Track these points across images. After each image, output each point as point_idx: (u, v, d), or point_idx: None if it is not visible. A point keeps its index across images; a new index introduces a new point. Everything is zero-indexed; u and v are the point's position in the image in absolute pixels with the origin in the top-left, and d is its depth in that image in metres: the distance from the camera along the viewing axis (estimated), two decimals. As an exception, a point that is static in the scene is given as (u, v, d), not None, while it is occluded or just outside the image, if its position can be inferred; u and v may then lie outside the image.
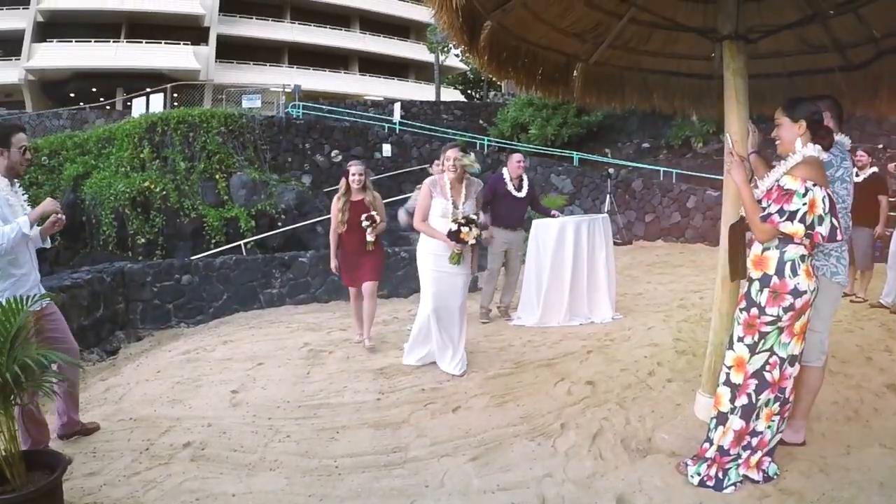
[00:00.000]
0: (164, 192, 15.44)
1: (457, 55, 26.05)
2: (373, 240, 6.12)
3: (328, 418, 4.45)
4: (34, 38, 30.92)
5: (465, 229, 5.10)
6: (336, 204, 6.18)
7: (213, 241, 15.17)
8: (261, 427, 4.31)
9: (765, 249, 3.16)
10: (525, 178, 7.51)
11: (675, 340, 5.78)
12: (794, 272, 3.08)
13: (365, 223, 6.06)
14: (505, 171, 7.44)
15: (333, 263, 6.34)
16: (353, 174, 6.12)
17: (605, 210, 14.85)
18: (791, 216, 3.00)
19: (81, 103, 25.04)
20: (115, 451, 3.95)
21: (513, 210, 7.37)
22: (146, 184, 15.43)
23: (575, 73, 5.18)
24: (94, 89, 28.53)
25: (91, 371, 7.07)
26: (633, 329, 6.38)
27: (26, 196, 3.96)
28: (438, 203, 5.25)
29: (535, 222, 7.35)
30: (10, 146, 3.67)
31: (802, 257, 3.10)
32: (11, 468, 2.96)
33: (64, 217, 3.92)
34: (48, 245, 4.00)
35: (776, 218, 3.03)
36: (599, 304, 7.03)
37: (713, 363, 3.90)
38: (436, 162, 6.34)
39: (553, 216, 7.43)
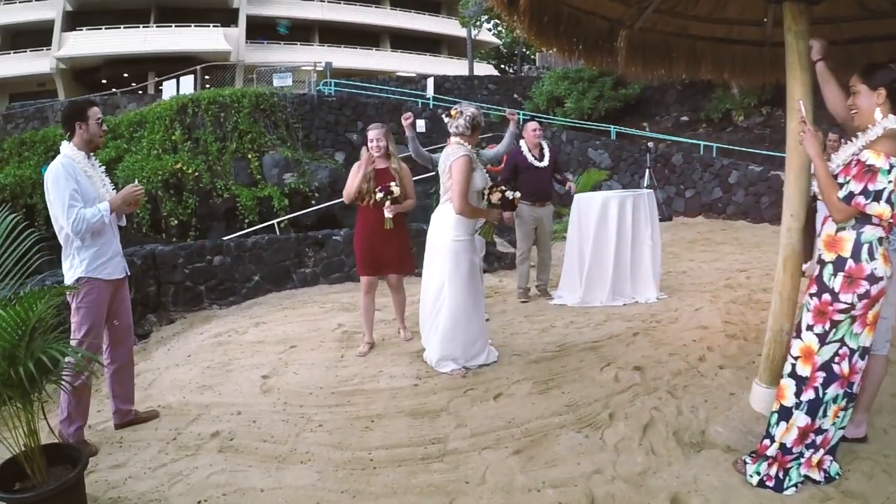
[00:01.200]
0: (197, 173, 15.45)
1: (489, 29, 25.58)
2: (391, 217, 5.21)
3: (363, 406, 4.26)
4: (64, 27, 31.06)
5: (514, 193, 4.75)
6: (355, 173, 5.27)
7: (247, 220, 15.18)
8: (292, 415, 4.14)
9: (839, 230, 2.84)
10: (545, 145, 7.18)
11: (724, 323, 5.47)
12: (871, 256, 2.77)
13: (379, 195, 5.11)
14: (522, 142, 7.04)
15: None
16: (372, 139, 5.27)
17: (645, 185, 14.41)
18: (877, 196, 2.67)
19: (113, 89, 25.13)
20: (141, 441, 3.83)
21: (538, 182, 6.98)
22: (178, 165, 15.49)
23: (619, 40, 4.84)
24: (125, 74, 28.63)
25: None
26: (679, 310, 6.08)
27: (103, 168, 4.02)
28: (480, 174, 4.66)
29: (576, 196, 7.05)
30: (88, 119, 3.78)
31: (880, 240, 2.79)
32: (31, 464, 2.83)
33: (142, 190, 4.02)
34: (124, 223, 4.12)
35: (861, 199, 2.69)
36: (644, 284, 6.73)
37: (772, 351, 3.60)
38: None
39: (568, 188, 7.19)
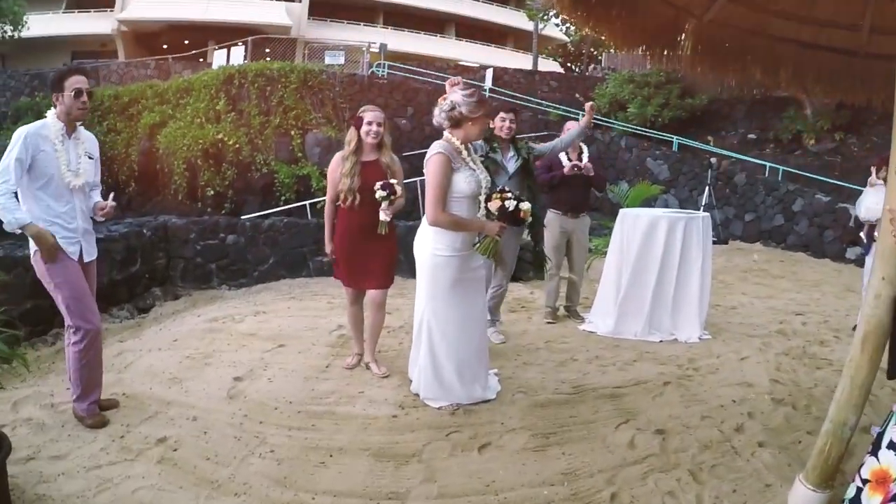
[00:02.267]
0: (237, 146, 15.23)
1: (557, 24, 24.57)
2: (388, 220, 4.37)
3: (327, 434, 3.67)
4: (127, -10, 31.33)
5: (523, 204, 3.85)
6: (339, 165, 4.43)
7: (283, 198, 14.88)
8: (247, 433, 3.66)
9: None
10: (585, 150, 6.45)
11: (771, 382, 4.62)
12: None
13: (380, 194, 4.23)
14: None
15: (329, 248, 4.66)
16: (369, 122, 4.37)
17: (703, 203, 13.44)
18: None
19: (167, 55, 25.12)
20: (89, 434, 3.59)
21: (573, 190, 6.25)
22: (219, 136, 15.34)
23: (684, 33, 4.04)
24: (186, 41, 28.61)
25: (114, 330, 6.77)
26: (722, 357, 5.23)
27: (89, 146, 3.81)
28: (465, 177, 3.81)
29: (622, 211, 6.26)
30: (64, 90, 3.55)
31: None
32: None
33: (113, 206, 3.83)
34: (100, 219, 3.93)
35: None
36: (686, 320, 5.86)
37: (828, 447, 2.82)
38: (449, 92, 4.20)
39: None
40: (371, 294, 4.57)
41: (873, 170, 6.54)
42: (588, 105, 5.53)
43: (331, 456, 3.41)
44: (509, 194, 3.87)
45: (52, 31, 30.70)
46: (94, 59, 26.55)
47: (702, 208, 13.47)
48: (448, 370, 3.98)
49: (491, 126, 5.24)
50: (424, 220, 3.96)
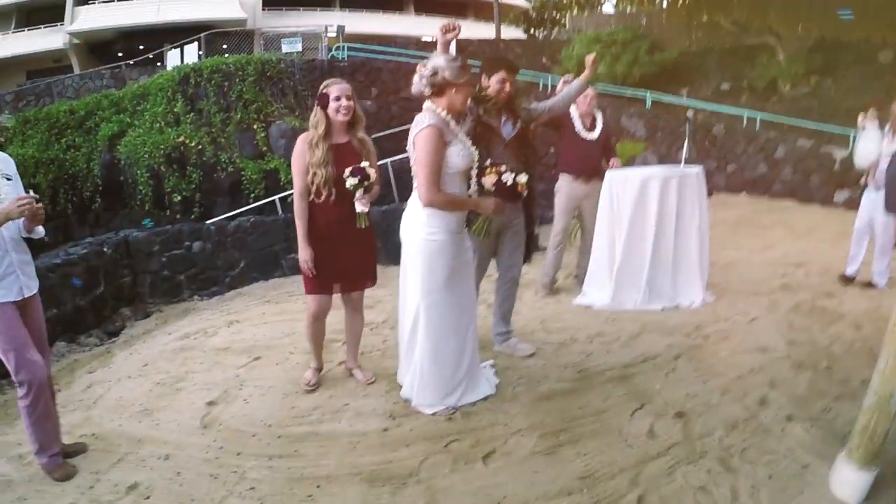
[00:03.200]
0: (200, 147, 14.69)
1: (516, -10, 24.01)
2: (366, 210, 3.78)
3: (312, 459, 3.27)
4: (76, 2, 30.12)
5: (521, 176, 3.57)
6: (305, 151, 3.74)
7: (252, 195, 14.36)
8: (224, 467, 3.24)
9: None
10: (599, 117, 6.21)
11: (788, 344, 4.29)
12: None
13: (351, 181, 3.64)
14: (573, 108, 5.97)
15: (306, 254, 3.81)
16: (337, 97, 3.72)
17: (683, 157, 13.06)
18: None
19: (119, 63, 24.31)
20: (58, 488, 3.20)
21: (585, 156, 6.02)
22: (181, 139, 14.74)
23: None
24: (141, 47, 27.74)
25: (83, 361, 6.25)
26: (730, 321, 4.89)
27: (4, 167, 3.28)
28: (458, 150, 3.40)
29: (609, 174, 5.81)
30: None
31: None
32: None
33: (36, 205, 3.14)
34: (39, 236, 3.37)
35: None
36: (688, 283, 5.51)
37: (873, 422, 2.48)
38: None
39: (612, 165, 5.97)
40: (350, 297, 4.10)
41: (860, 116, 6.26)
42: (589, 57, 4.77)
43: (318, 487, 3.03)
44: (503, 167, 3.51)
45: (5, 52, 29.73)
46: (50, 75, 25.65)
47: (682, 163, 13.13)
48: (450, 368, 3.60)
49: (483, 88, 4.28)
50: (412, 203, 3.55)
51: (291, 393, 4.09)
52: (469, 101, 3.77)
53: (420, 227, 3.48)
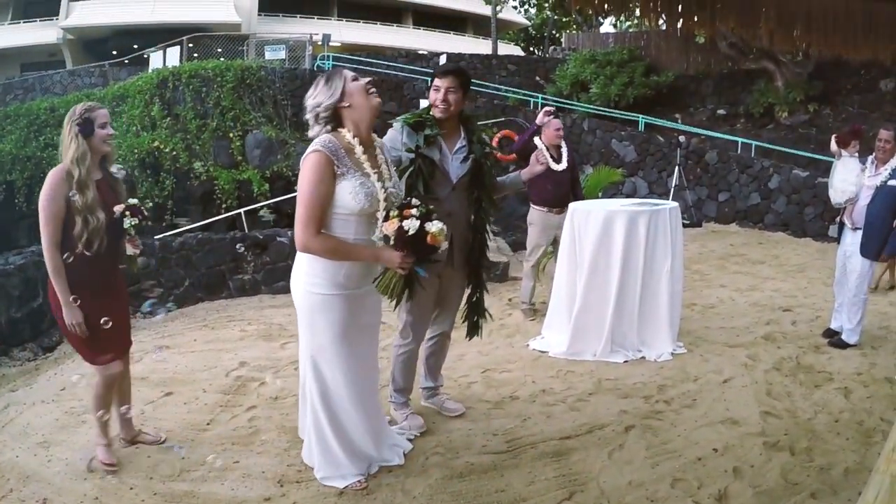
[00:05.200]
0: (174, 153, 14.26)
1: (514, 6, 23.60)
2: (138, 252, 3.31)
3: None
4: (72, -3, 30.08)
5: (432, 225, 2.71)
6: (64, 192, 3.04)
7: (224, 205, 13.89)
8: None
9: None
10: (564, 146, 6.19)
11: (762, 415, 3.69)
12: None
13: (130, 222, 3.12)
14: (538, 140, 6.03)
15: (78, 315, 3.11)
16: (104, 123, 3.15)
17: (673, 184, 12.58)
18: None
19: (125, 60, 23.93)
20: None
21: (557, 186, 6.01)
22: (156, 143, 14.30)
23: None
24: (135, 46, 27.36)
25: (10, 376, 5.92)
26: (700, 381, 4.29)
27: None
28: (352, 187, 2.75)
29: (571, 206, 5.31)
30: None
31: None
32: None
33: None
34: None
35: None
36: (656, 333, 4.91)
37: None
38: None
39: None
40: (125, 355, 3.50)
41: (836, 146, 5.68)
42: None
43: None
44: (414, 209, 2.73)
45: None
46: (44, 69, 25.25)
47: (672, 190, 12.64)
48: (337, 443, 3.00)
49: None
50: (307, 267, 2.92)
51: (188, 440, 3.72)
52: (405, 132, 3.22)
53: (301, 275, 2.89)
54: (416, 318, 3.59)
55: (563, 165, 6.06)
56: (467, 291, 3.75)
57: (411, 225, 2.66)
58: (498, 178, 3.75)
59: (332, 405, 2.96)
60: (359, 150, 2.82)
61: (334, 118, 2.84)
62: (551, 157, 5.92)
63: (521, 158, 6.24)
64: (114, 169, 3.31)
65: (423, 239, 2.69)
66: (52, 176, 3.06)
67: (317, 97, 2.82)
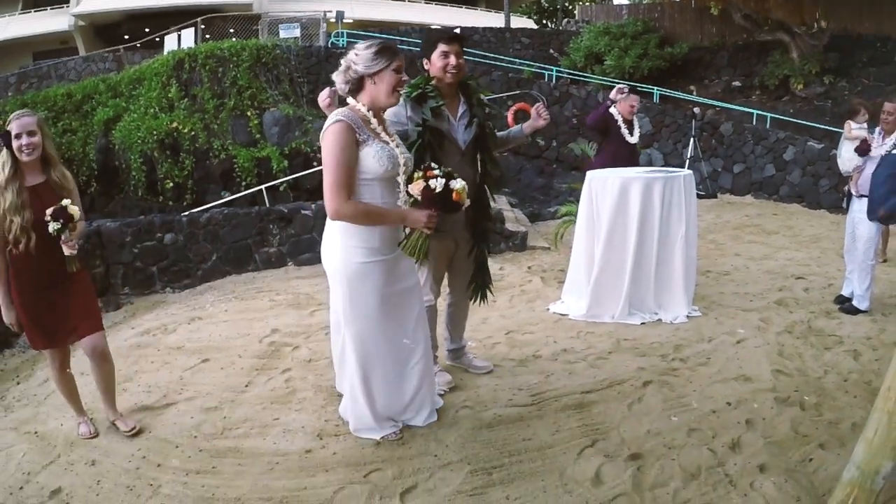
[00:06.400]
0: (193, 133, 14.50)
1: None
2: (75, 253, 3.35)
3: (227, 478, 3.05)
4: (82, -17, 30.18)
5: (455, 182, 2.93)
6: None
7: (244, 183, 14.11)
8: (142, 478, 3.09)
9: None
10: (636, 122, 6.74)
11: (774, 373, 3.87)
12: None
13: (54, 226, 3.20)
14: (614, 109, 6.53)
15: (11, 316, 3.41)
16: (18, 133, 3.25)
17: (688, 155, 12.65)
18: None
19: (137, 44, 24.08)
20: None
21: (627, 157, 6.41)
22: (174, 124, 14.54)
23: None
24: (147, 30, 27.48)
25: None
26: (714, 341, 4.47)
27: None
28: (374, 151, 2.91)
29: (589, 174, 5.42)
30: None
31: None
32: None
33: None
34: None
35: None
36: (672, 297, 5.09)
37: (851, 500, 2.08)
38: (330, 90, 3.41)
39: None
40: (87, 343, 3.53)
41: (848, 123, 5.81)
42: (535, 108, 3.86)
43: (224, 511, 2.72)
44: (436, 170, 2.94)
45: (10, 33, 29.73)
46: (56, 57, 25.47)
47: (687, 161, 12.69)
48: (383, 399, 3.21)
49: (427, 70, 3.64)
50: (329, 220, 3.09)
51: (227, 401, 3.90)
52: (409, 106, 3.37)
53: (337, 245, 3.03)
54: (434, 274, 3.75)
55: (636, 138, 6.60)
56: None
57: (438, 183, 2.86)
58: (499, 133, 3.89)
59: (371, 374, 3.12)
60: (374, 121, 3.00)
61: (357, 85, 3.00)
62: (626, 128, 6.48)
63: (597, 131, 6.76)
64: (57, 174, 3.43)
65: (448, 196, 2.88)
66: None
67: (358, 57, 2.96)
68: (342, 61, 3.02)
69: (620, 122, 6.49)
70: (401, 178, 3.00)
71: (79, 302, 3.48)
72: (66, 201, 3.27)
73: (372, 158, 2.89)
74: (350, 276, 2.99)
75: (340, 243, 3.01)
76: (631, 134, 6.54)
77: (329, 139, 2.87)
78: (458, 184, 2.91)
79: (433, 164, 3.03)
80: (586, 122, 7.04)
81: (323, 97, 3.51)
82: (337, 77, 3.03)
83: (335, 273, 3.06)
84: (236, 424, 3.56)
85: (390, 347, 3.12)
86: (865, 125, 6.22)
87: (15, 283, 3.35)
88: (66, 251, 3.29)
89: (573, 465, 2.94)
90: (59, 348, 3.56)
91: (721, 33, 17.85)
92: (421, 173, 2.94)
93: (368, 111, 2.99)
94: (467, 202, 3.02)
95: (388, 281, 3.03)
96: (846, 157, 5.53)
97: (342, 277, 3.02)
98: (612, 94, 6.49)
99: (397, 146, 3.04)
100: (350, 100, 3.02)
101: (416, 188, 2.89)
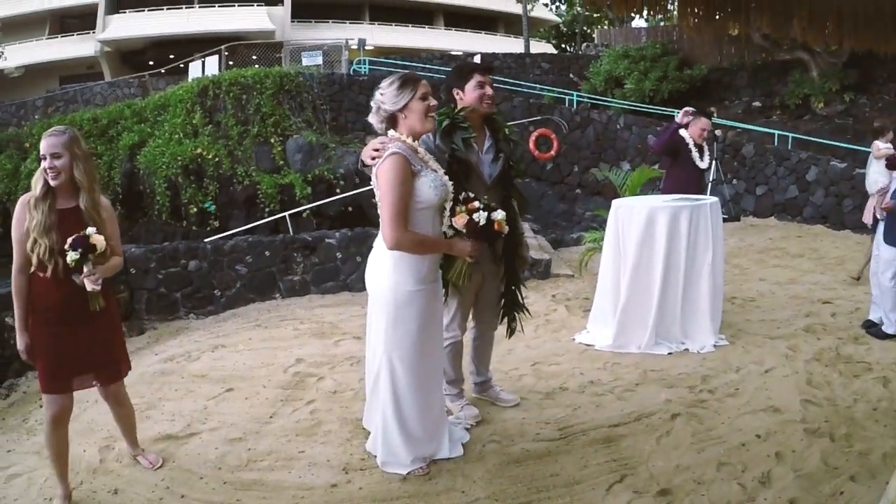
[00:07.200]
0: (217, 159, 14.68)
1: (545, 4, 23.68)
2: (97, 289, 3.03)
3: None
4: (108, 10, 30.90)
5: (496, 213, 3.12)
6: (24, 215, 3.05)
7: (267, 209, 14.27)
8: None
9: None
10: (706, 149, 6.55)
11: (803, 403, 3.82)
12: None
13: (72, 256, 2.95)
14: (684, 132, 6.33)
15: (23, 342, 3.13)
16: (43, 155, 3.07)
17: (710, 178, 12.55)
18: None
19: (161, 70, 24.63)
20: None
21: (696, 182, 6.34)
22: (198, 150, 14.73)
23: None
24: (171, 56, 28.11)
25: None
26: (742, 371, 4.43)
27: None
28: (430, 181, 3.02)
29: (615, 202, 5.41)
30: None
31: None
32: None
33: None
34: None
35: None
36: (698, 326, 5.05)
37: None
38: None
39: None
40: (108, 389, 3.38)
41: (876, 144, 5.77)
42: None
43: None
44: (476, 202, 3.11)
45: (38, 57, 30.43)
46: (82, 82, 26.09)
47: (709, 184, 12.61)
48: (414, 427, 3.23)
49: (457, 100, 3.63)
50: (377, 246, 3.18)
51: (252, 433, 3.89)
52: (437, 136, 3.42)
53: (386, 275, 3.09)
54: (462, 309, 3.77)
55: (706, 163, 6.47)
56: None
57: (481, 217, 3.04)
58: None
59: (403, 400, 3.16)
60: (421, 150, 3.10)
61: (391, 121, 3.10)
62: (697, 153, 6.31)
63: (666, 153, 6.54)
64: (87, 202, 3.13)
65: (491, 227, 3.07)
66: (19, 201, 3.13)
67: (384, 97, 3.06)
68: (372, 103, 3.13)
69: (692, 146, 6.32)
70: (447, 205, 3.14)
71: (101, 345, 3.23)
72: (90, 230, 3.01)
73: (428, 188, 3.00)
74: (399, 302, 3.06)
75: (391, 270, 3.08)
76: (701, 158, 6.39)
77: (387, 171, 2.94)
78: (499, 215, 3.11)
79: (471, 195, 3.15)
80: (652, 147, 7.00)
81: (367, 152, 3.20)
82: (372, 119, 3.14)
83: (382, 298, 3.12)
84: (261, 457, 3.56)
85: (423, 372, 3.17)
86: (890, 145, 6.18)
87: (32, 309, 3.10)
88: (88, 286, 2.99)
89: (602, 502, 2.93)
90: (66, 395, 3.18)
91: (740, 54, 17.86)
92: (463, 206, 3.08)
93: (413, 141, 3.08)
94: (506, 229, 3.19)
95: (427, 306, 3.12)
96: (873, 177, 5.50)
97: (390, 303, 3.08)
98: (679, 118, 6.34)
99: (445, 174, 3.15)
100: (392, 132, 3.09)
101: (461, 221, 3.06)
